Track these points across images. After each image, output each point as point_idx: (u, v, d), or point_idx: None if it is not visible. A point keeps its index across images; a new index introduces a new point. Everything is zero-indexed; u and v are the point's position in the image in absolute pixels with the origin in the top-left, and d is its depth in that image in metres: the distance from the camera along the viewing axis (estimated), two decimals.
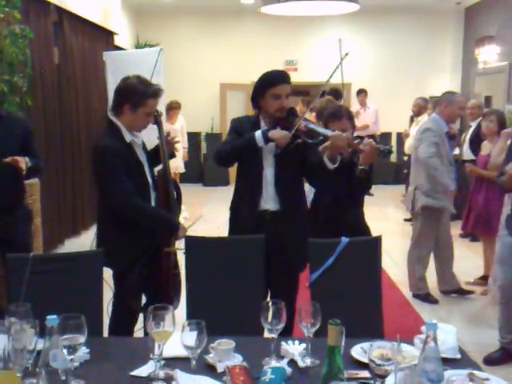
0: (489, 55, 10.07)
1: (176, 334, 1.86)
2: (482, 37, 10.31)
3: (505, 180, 3.42)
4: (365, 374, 1.90)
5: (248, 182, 3.19)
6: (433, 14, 11.70)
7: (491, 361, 3.71)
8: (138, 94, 2.92)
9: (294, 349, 2.08)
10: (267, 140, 3.01)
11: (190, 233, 3.09)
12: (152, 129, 3.31)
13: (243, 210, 3.21)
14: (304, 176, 3.27)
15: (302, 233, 3.08)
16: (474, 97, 9.93)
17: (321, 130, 3.13)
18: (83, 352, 1.99)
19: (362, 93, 10.11)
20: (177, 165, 7.81)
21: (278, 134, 3.01)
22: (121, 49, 9.69)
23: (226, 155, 3.16)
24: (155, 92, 2.97)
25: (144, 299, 3.21)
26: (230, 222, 3.34)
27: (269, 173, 3.13)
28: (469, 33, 11.49)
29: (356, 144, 3.04)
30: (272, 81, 3.10)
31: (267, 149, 3.09)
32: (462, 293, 5.07)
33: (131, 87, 2.94)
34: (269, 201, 3.13)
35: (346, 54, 3.08)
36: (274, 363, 1.98)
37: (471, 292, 5.07)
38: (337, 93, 7.32)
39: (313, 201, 3.67)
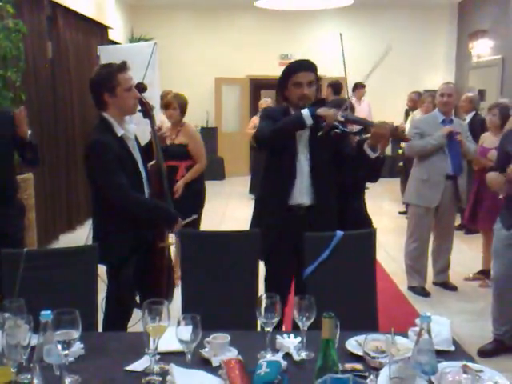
0: (482, 49, 10.08)
1: (171, 328, 1.86)
2: (476, 31, 10.32)
3: (501, 181, 3.41)
4: (358, 366, 1.90)
5: (280, 173, 3.08)
6: (427, 9, 11.70)
7: (485, 353, 3.73)
8: (107, 77, 2.90)
9: (289, 342, 2.08)
10: (315, 117, 2.90)
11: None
12: (146, 124, 3.31)
13: (271, 203, 3.13)
14: (338, 167, 3.17)
15: (332, 228, 3.03)
16: (467, 90, 9.94)
17: (360, 119, 3.10)
18: (78, 347, 1.98)
19: (359, 87, 10.09)
20: None
21: (326, 111, 2.92)
22: (115, 43, 9.65)
23: (273, 132, 3.01)
24: (119, 66, 2.95)
25: (138, 294, 3.21)
26: (254, 214, 3.30)
27: (304, 164, 3.06)
28: (462, 27, 11.50)
29: (399, 133, 3.02)
30: (292, 69, 3.05)
31: (302, 138, 3.03)
32: (447, 287, 5.11)
33: (98, 76, 2.93)
34: (303, 194, 3.06)
35: (387, 53, 3.01)
36: (269, 357, 1.98)
37: (455, 288, 5.09)
38: (337, 86, 7.38)
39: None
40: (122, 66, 2.95)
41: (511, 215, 3.60)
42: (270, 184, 3.17)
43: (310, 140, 3.06)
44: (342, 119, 2.95)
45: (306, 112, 2.90)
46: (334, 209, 3.20)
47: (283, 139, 3.05)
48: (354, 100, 10.25)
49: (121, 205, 2.91)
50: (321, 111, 2.91)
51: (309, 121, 2.90)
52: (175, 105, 5.05)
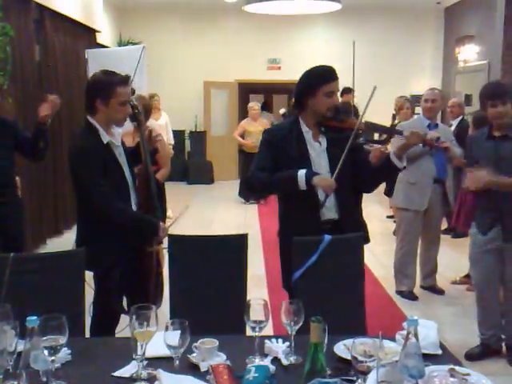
0: (468, 54, 10.18)
1: (159, 333, 1.86)
2: (462, 36, 10.42)
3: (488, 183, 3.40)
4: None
5: (305, 190, 2.84)
6: (413, 14, 11.80)
7: (472, 356, 3.75)
8: (106, 86, 2.87)
9: (278, 347, 2.08)
10: (309, 185, 2.76)
11: (176, 226, 3.07)
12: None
13: (303, 221, 2.89)
14: (358, 179, 3.00)
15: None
16: (454, 95, 10.02)
17: (385, 128, 3.01)
18: (65, 353, 1.96)
19: (347, 92, 10.12)
20: None
21: (323, 181, 2.78)
22: (103, 46, 9.63)
23: (261, 188, 2.93)
24: (122, 79, 2.92)
25: (125, 299, 3.20)
26: (282, 235, 3.07)
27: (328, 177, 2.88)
28: (449, 32, 11.60)
29: (430, 140, 2.96)
30: (325, 77, 2.88)
31: (322, 156, 2.90)
32: (434, 291, 5.14)
33: (97, 81, 2.91)
34: (328, 209, 2.91)
35: (373, 94, 2.84)
36: (257, 361, 1.98)
37: (442, 292, 5.12)
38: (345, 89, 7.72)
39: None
40: (125, 80, 2.94)
41: (485, 219, 3.60)
42: (295, 200, 2.93)
43: (329, 153, 2.91)
44: (366, 128, 2.85)
45: (301, 177, 2.76)
46: (360, 220, 3.12)
47: (275, 193, 2.92)
48: None
49: (103, 214, 2.89)
50: (317, 181, 2.76)
51: (303, 187, 2.77)
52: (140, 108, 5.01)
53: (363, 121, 2.85)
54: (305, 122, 2.94)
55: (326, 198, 2.82)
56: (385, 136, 3.05)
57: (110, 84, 2.87)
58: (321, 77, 2.88)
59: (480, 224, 3.65)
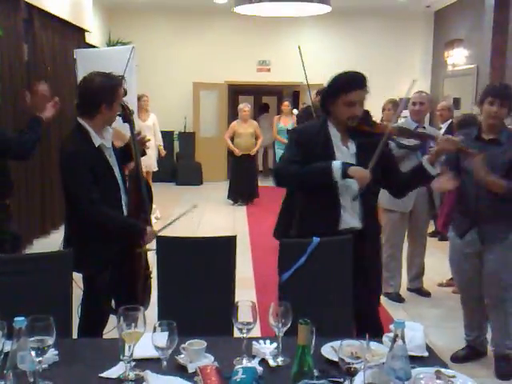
0: (457, 58, 10.25)
1: (147, 334, 1.86)
2: (451, 40, 10.50)
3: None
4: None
5: (326, 194, 2.79)
6: (403, 17, 11.87)
7: (458, 358, 3.77)
8: (111, 90, 2.90)
9: (265, 348, 2.09)
10: (344, 176, 2.67)
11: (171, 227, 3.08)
12: (125, 127, 3.30)
13: (320, 229, 2.77)
14: (388, 184, 3.00)
15: (379, 250, 2.98)
16: (443, 99, 10.09)
17: (419, 133, 2.98)
18: (52, 354, 1.96)
19: (318, 95, 10.13)
20: (149, 163, 7.76)
21: (358, 171, 2.67)
22: (92, 46, 9.60)
23: (291, 179, 2.80)
24: (120, 81, 2.98)
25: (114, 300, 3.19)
26: (296, 235, 2.99)
27: (354, 186, 2.78)
28: (438, 36, 11.68)
29: (465, 147, 2.89)
30: (345, 86, 2.76)
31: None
32: (421, 293, 5.17)
33: (101, 86, 2.89)
34: (352, 217, 2.83)
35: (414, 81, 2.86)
36: (245, 363, 1.99)
37: (429, 294, 5.15)
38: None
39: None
40: (122, 81, 2.98)
41: (462, 222, 3.60)
42: (315, 207, 2.89)
43: (358, 158, 2.80)
44: (397, 133, 2.78)
45: (336, 167, 2.67)
46: (380, 230, 3.08)
47: (306, 187, 2.79)
48: None
49: (90, 219, 2.89)
50: (353, 172, 2.66)
51: (338, 178, 2.68)
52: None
53: (395, 125, 2.78)
54: (333, 125, 2.84)
55: (359, 191, 2.72)
56: (415, 142, 2.99)
57: (115, 87, 2.91)
58: (341, 85, 2.77)
59: (457, 228, 3.65)
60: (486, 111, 3.42)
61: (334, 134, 2.84)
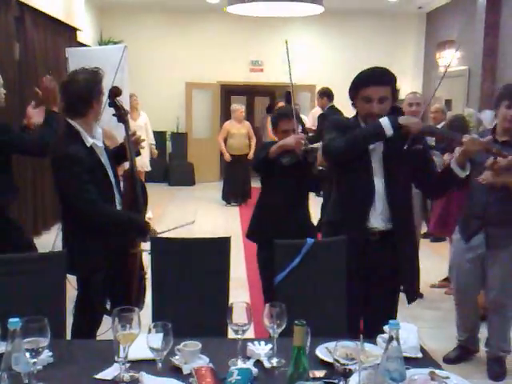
0: (449, 59, 10.28)
1: (141, 336, 1.85)
2: (443, 41, 10.55)
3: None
4: (320, 373, 1.93)
5: (355, 194, 2.73)
6: (395, 18, 11.91)
7: (450, 359, 3.79)
8: (96, 85, 2.92)
9: (260, 349, 2.09)
10: (396, 127, 2.59)
11: (157, 228, 3.07)
12: (120, 127, 3.29)
13: (348, 228, 2.74)
14: (422, 187, 2.96)
15: (414, 256, 2.89)
16: (434, 100, 10.12)
17: (444, 132, 2.90)
18: (46, 355, 1.95)
19: (324, 96, 10.16)
20: (142, 163, 7.73)
21: (409, 119, 2.65)
22: (84, 45, 9.55)
23: (347, 142, 2.66)
24: (101, 74, 2.98)
25: (108, 301, 3.18)
26: (326, 225, 2.98)
27: (378, 184, 2.72)
28: (430, 37, 11.74)
29: (493, 148, 2.81)
30: (362, 81, 2.71)
31: (376, 153, 2.72)
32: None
33: (88, 82, 2.89)
34: (377, 217, 2.74)
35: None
36: (240, 364, 1.99)
37: (421, 295, 5.16)
38: (329, 93, 7.90)
39: (260, 199, 3.68)
40: (101, 73, 2.97)
41: (469, 225, 3.59)
42: (344, 205, 2.84)
43: (384, 157, 2.73)
44: (423, 133, 2.68)
45: (385, 121, 2.60)
46: (414, 235, 2.98)
47: (359, 152, 2.70)
48: (317, 108, 10.32)
49: (92, 219, 2.88)
50: (403, 120, 2.62)
51: (389, 131, 2.59)
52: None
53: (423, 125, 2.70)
54: (362, 121, 2.79)
55: (410, 139, 2.62)
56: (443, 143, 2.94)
57: (100, 82, 2.93)
58: (359, 80, 2.72)
59: (464, 230, 3.63)
60: (502, 114, 3.36)
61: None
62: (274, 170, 3.37)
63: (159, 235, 3.04)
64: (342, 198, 2.88)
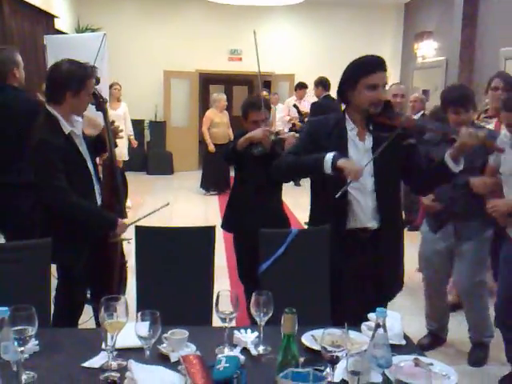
0: (427, 50, 10.38)
1: (129, 324, 1.86)
2: (421, 32, 10.62)
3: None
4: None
5: (330, 196, 2.56)
6: (374, 9, 11.96)
7: (423, 346, 3.84)
8: (78, 78, 2.84)
9: (247, 337, 2.11)
10: (335, 168, 2.50)
11: (137, 216, 3.06)
12: (100, 116, 3.27)
13: (331, 228, 2.70)
14: (411, 182, 2.87)
15: (400, 253, 2.86)
16: (412, 91, 10.21)
17: (439, 126, 2.83)
18: (32, 344, 1.94)
19: (302, 87, 10.18)
20: (120, 152, 7.67)
21: (348, 164, 2.49)
22: (61, 33, 9.41)
23: (287, 168, 2.70)
24: (93, 71, 2.93)
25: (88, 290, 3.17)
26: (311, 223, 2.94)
27: (368, 181, 2.66)
28: (408, 27, 11.81)
29: (491, 142, 2.69)
30: (366, 68, 2.60)
31: (364, 152, 2.65)
32: None
33: (69, 73, 2.84)
34: (367, 216, 2.69)
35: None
36: (226, 352, 2.01)
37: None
38: (326, 83, 7.96)
39: (233, 190, 3.72)
40: (94, 72, 2.93)
41: (437, 217, 3.64)
42: (324, 205, 2.78)
43: (374, 152, 2.61)
44: (416, 127, 2.60)
45: (328, 159, 2.52)
46: (402, 232, 2.92)
47: (299, 177, 2.67)
48: (295, 99, 10.35)
49: (58, 208, 2.85)
50: (342, 163, 2.48)
51: (328, 170, 2.52)
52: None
53: (415, 119, 2.66)
54: (351, 119, 2.70)
55: (347, 184, 2.50)
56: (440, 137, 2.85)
57: (84, 77, 2.86)
58: (360, 67, 2.62)
59: (431, 223, 3.71)
60: (452, 120, 3.41)
61: (351, 128, 2.69)
62: (244, 161, 3.41)
63: (136, 223, 2.94)
64: (322, 196, 2.80)
